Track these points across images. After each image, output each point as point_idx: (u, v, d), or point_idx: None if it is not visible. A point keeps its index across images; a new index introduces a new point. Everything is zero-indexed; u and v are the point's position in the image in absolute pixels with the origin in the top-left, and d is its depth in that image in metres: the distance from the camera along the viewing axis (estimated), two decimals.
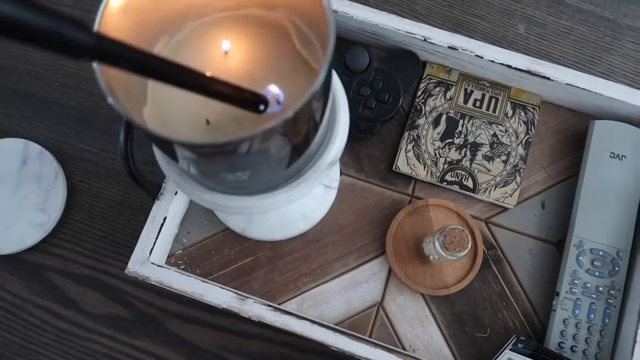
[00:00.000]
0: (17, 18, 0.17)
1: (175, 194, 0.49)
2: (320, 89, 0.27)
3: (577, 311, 0.47)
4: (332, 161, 0.35)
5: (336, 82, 0.35)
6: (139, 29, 0.30)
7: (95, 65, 0.26)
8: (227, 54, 0.33)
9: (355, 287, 0.51)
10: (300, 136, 0.30)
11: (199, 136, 0.32)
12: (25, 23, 0.18)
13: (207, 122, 0.32)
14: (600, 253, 0.48)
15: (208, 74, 0.27)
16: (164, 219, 0.48)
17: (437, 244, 0.44)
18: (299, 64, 0.33)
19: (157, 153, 0.36)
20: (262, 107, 0.30)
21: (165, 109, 0.33)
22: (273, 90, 0.31)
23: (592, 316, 0.47)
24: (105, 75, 0.27)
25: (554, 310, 0.47)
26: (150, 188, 0.47)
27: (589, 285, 0.47)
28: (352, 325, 0.50)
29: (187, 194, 0.36)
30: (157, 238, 0.48)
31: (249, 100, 0.29)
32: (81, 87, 0.58)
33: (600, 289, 0.47)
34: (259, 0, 0.33)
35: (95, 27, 0.27)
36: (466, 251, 0.43)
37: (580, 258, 0.48)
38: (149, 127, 0.27)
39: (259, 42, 0.34)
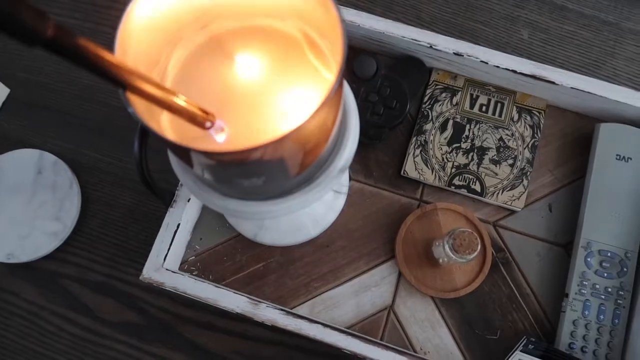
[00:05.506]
0: None
1: (188, 201, 0.50)
2: (333, 97, 0.27)
3: (586, 312, 0.47)
4: (342, 167, 0.36)
5: (347, 90, 0.36)
6: (154, 39, 0.32)
7: None
8: (239, 63, 0.34)
9: (365, 291, 0.51)
10: (313, 143, 0.31)
11: (213, 142, 0.33)
12: None
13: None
14: (609, 254, 0.48)
15: (162, 85, 0.26)
16: (178, 226, 0.49)
17: (446, 246, 0.45)
18: (310, 73, 0.34)
19: (173, 160, 0.37)
20: (208, 124, 0.30)
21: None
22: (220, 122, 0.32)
23: (601, 317, 0.47)
24: None
25: (564, 312, 0.48)
26: (164, 195, 0.47)
27: (597, 286, 0.48)
28: (364, 329, 0.50)
29: (202, 200, 0.36)
30: (170, 244, 0.49)
31: (198, 118, 0.29)
32: (95, 98, 0.59)
33: (609, 289, 0.48)
34: (270, 10, 0.34)
35: (116, 40, 0.28)
36: (475, 253, 0.44)
37: (589, 259, 0.48)
38: (166, 135, 0.28)
39: (271, 52, 0.35)
